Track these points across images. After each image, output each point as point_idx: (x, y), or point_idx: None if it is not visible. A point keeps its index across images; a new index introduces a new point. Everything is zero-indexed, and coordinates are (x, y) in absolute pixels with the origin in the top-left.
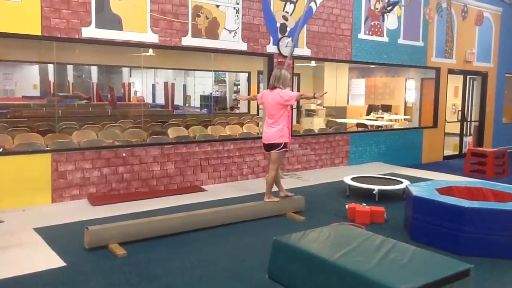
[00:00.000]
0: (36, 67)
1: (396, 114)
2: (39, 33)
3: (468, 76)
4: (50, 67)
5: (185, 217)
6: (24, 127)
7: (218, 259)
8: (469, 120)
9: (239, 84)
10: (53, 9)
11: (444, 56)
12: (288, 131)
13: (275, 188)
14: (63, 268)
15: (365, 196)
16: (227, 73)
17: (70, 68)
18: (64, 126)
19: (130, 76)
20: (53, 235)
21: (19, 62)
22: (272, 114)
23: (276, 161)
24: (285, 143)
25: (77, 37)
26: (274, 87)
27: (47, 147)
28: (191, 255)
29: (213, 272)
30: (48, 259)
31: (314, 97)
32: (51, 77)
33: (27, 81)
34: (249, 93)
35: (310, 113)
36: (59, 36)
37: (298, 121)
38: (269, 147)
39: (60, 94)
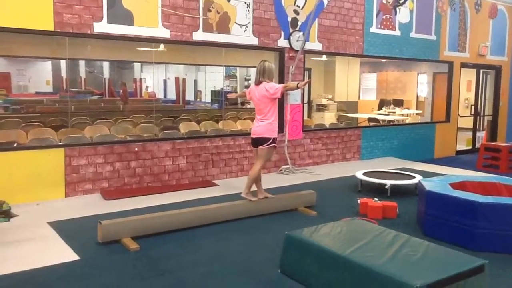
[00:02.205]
0: (49, 63)
1: (408, 108)
2: (52, 29)
3: (481, 70)
4: (63, 63)
5: (197, 211)
6: (38, 123)
7: (230, 253)
8: (482, 114)
9: (250, 79)
10: (65, 4)
11: (457, 50)
12: (276, 125)
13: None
14: (77, 261)
15: (377, 191)
16: (238, 68)
17: (82, 63)
18: (76, 121)
19: (142, 71)
20: (66, 229)
21: (32, 58)
22: (260, 109)
23: (263, 157)
24: (273, 138)
25: (89, 32)
26: (260, 82)
27: (60, 142)
28: (203, 250)
29: (224, 267)
30: (62, 253)
31: (298, 87)
32: (63, 73)
33: (40, 77)
34: None
35: (321, 107)
36: (71, 31)
37: (309, 116)
38: (257, 142)
39: (73, 89)
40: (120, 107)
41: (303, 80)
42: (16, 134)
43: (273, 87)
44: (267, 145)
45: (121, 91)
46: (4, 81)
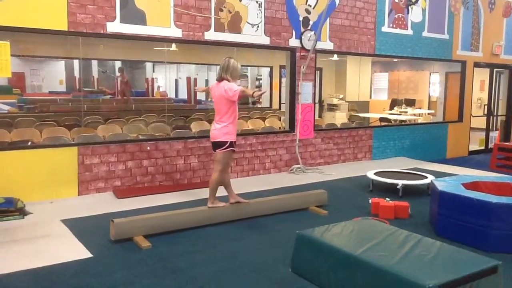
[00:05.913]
0: (62, 63)
1: (420, 108)
2: (66, 29)
3: (494, 70)
4: (76, 63)
5: (209, 210)
6: (51, 122)
7: (241, 252)
8: (495, 114)
9: (261, 79)
10: (79, 4)
11: (470, 49)
12: (234, 129)
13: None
14: (89, 259)
15: (389, 191)
16: (249, 67)
17: (94, 63)
18: (89, 121)
19: (153, 71)
20: (79, 227)
21: (46, 58)
22: (218, 109)
23: (220, 162)
24: (230, 142)
25: (102, 32)
26: (221, 79)
27: (73, 141)
28: (215, 248)
29: (236, 266)
30: (75, 250)
31: (253, 96)
32: (76, 73)
33: (53, 76)
34: (271, 88)
35: (332, 107)
36: (84, 31)
37: (320, 116)
38: (215, 145)
39: (85, 89)
40: (132, 106)
41: (312, 80)
42: (31, 133)
43: (232, 88)
44: (223, 149)
45: (120, 77)
46: (19, 81)
